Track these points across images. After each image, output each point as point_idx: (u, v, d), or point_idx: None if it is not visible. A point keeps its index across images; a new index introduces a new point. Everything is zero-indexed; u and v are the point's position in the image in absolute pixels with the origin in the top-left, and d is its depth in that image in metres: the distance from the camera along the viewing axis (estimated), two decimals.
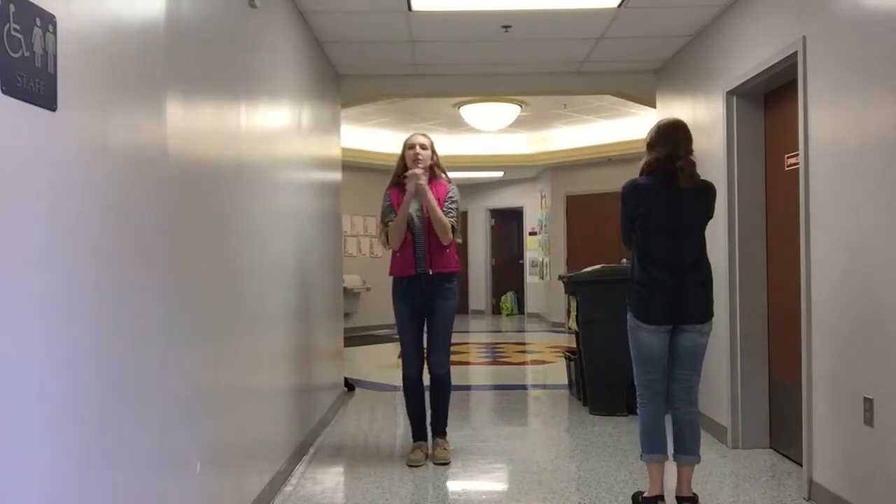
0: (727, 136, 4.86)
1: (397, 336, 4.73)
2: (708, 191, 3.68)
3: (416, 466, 4.44)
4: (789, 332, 4.26)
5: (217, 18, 3.15)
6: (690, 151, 3.61)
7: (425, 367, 4.61)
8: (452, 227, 4.49)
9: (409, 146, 4.59)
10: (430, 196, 4.46)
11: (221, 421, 3.11)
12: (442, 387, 4.60)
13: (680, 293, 3.54)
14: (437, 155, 4.64)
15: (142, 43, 2.36)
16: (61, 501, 1.87)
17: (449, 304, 4.55)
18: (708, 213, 3.68)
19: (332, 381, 6.18)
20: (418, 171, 4.47)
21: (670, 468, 3.70)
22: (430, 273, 4.46)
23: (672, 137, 3.61)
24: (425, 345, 4.61)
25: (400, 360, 4.64)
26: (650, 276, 3.56)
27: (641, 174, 3.66)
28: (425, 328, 4.60)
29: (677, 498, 3.63)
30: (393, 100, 8.11)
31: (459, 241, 4.61)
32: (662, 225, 3.57)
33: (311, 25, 5.23)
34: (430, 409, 4.67)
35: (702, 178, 3.67)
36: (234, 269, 3.32)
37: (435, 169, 4.62)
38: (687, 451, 3.63)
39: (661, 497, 3.61)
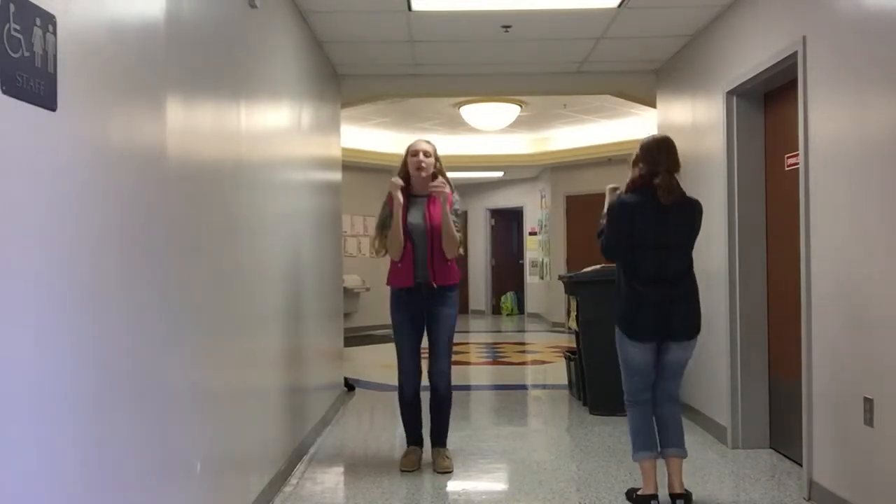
0: (727, 136, 4.86)
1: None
2: (693, 207, 3.71)
3: (409, 472, 4.36)
4: (789, 332, 4.26)
5: (217, 18, 3.15)
6: (673, 168, 3.63)
7: (423, 377, 4.50)
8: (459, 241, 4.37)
9: (412, 153, 4.43)
10: (447, 209, 4.30)
11: (221, 421, 3.11)
12: (443, 398, 4.45)
13: (666, 309, 3.60)
14: (440, 162, 4.48)
15: (142, 43, 2.36)
16: (60, 502, 1.87)
17: (451, 311, 4.43)
18: (693, 230, 3.71)
19: (332, 381, 6.18)
20: (398, 181, 4.32)
21: (662, 468, 3.72)
22: (434, 286, 4.34)
23: (652, 155, 3.65)
24: (426, 352, 4.48)
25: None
26: (636, 293, 3.61)
27: (627, 191, 3.70)
28: (426, 336, 4.47)
29: (670, 495, 3.64)
30: (393, 100, 8.11)
31: (462, 253, 4.47)
32: (648, 241, 3.61)
33: (311, 25, 5.23)
34: (430, 419, 4.51)
35: (690, 180, 3.70)
36: (233, 269, 3.32)
37: (438, 176, 4.45)
38: (672, 443, 3.68)
39: (655, 496, 3.64)
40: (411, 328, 4.45)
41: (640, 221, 3.61)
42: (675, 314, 3.60)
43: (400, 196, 4.32)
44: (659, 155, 3.63)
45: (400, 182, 4.35)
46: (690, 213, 3.70)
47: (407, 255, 4.37)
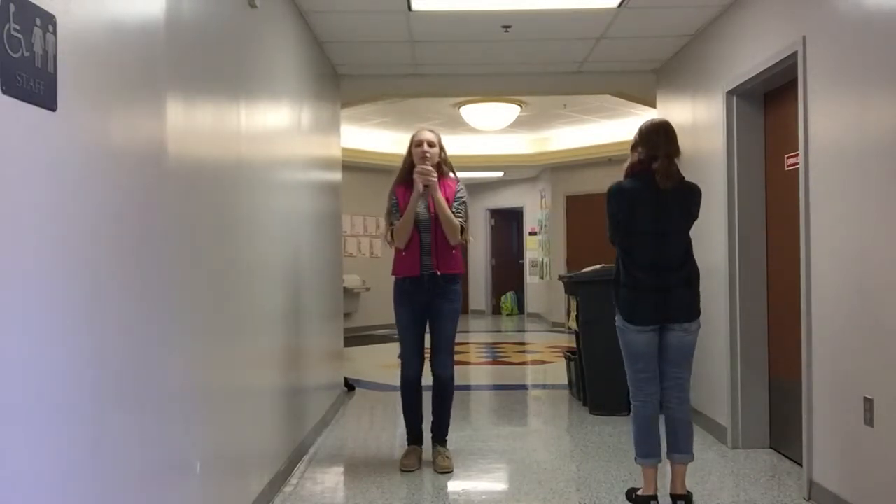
0: (727, 136, 4.86)
1: (397, 337, 4.64)
2: (692, 192, 3.68)
3: (409, 472, 4.36)
4: (789, 332, 4.26)
5: (217, 18, 3.15)
6: (673, 153, 3.60)
7: (425, 369, 4.50)
8: (462, 227, 4.38)
9: (416, 143, 4.42)
10: (440, 196, 4.32)
11: (221, 421, 3.11)
12: (445, 390, 4.45)
13: (664, 294, 3.56)
14: (445, 152, 4.47)
15: (142, 43, 2.36)
16: (59, 503, 1.87)
17: (454, 306, 4.43)
18: (692, 215, 3.68)
19: (332, 381, 6.18)
20: (429, 168, 4.33)
21: (664, 467, 3.71)
22: (438, 274, 4.34)
23: (652, 139, 3.62)
24: (428, 347, 4.49)
25: (399, 360, 4.54)
26: (634, 279, 3.58)
27: (625, 177, 3.68)
28: (428, 330, 4.47)
29: (671, 496, 3.63)
30: (393, 100, 8.11)
31: (471, 239, 4.49)
32: (646, 227, 3.58)
33: (311, 25, 5.23)
34: (432, 413, 4.52)
35: (690, 179, 3.69)
36: (233, 269, 3.32)
37: (443, 166, 4.44)
38: (680, 449, 3.65)
39: (655, 497, 3.63)
40: (415, 320, 4.44)
41: (638, 207, 3.59)
42: (674, 298, 3.57)
43: (434, 180, 4.32)
44: (658, 139, 3.60)
45: (430, 170, 4.34)
46: (689, 198, 3.67)
47: (413, 244, 4.37)
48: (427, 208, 4.38)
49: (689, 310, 3.61)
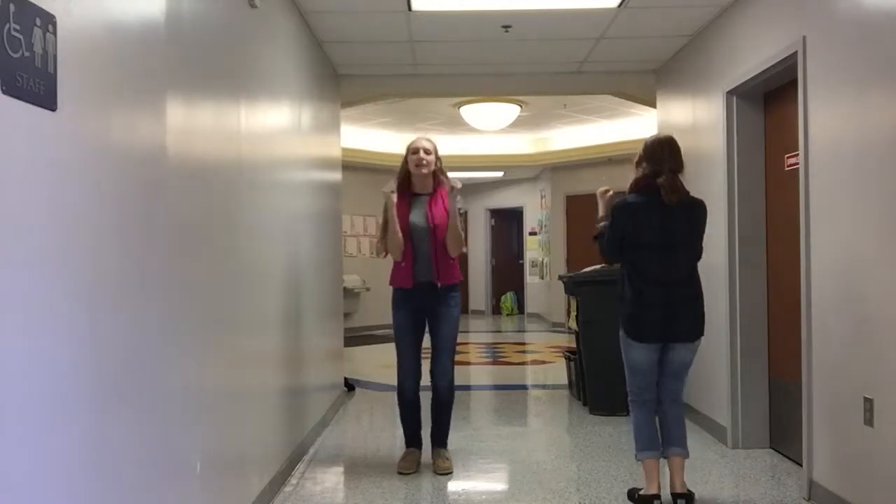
0: (727, 136, 4.86)
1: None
2: (697, 207, 3.70)
3: (407, 474, 4.33)
4: (789, 332, 4.26)
5: (217, 18, 3.15)
6: (677, 168, 3.63)
7: (423, 377, 4.46)
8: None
9: (412, 151, 4.41)
10: (457, 209, 4.28)
11: (221, 422, 3.11)
12: (445, 399, 4.42)
13: (671, 310, 3.59)
14: (440, 160, 4.45)
15: (142, 43, 2.36)
16: (59, 502, 1.87)
17: (454, 312, 4.40)
18: (698, 230, 3.70)
19: (332, 381, 6.17)
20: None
21: (664, 467, 3.71)
22: (439, 286, 4.31)
23: (656, 155, 3.65)
24: (428, 352, 4.44)
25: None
26: (641, 294, 3.60)
27: (630, 192, 3.69)
28: (428, 337, 4.43)
29: (672, 494, 3.64)
30: (393, 100, 8.11)
31: (465, 250, 4.53)
32: (652, 242, 3.61)
33: (311, 25, 5.23)
34: (431, 419, 4.48)
35: (690, 179, 3.71)
36: (233, 269, 3.32)
37: (440, 175, 4.43)
38: (674, 442, 3.69)
39: (658, 496, 3.63)
40: (412, 328, 4.41)
41: (644, 222, 3.61)
42: (681, 316, 3.60)
43: (394, 198, 4.33)
44: (663, 155, 3.63)
45: (391, 189, 4.35)
46: (695, 213, 3.69)
47: (407, 255, 4.35)
48: (425, 218, 4.35)
49: (696, 329, 3.65)
